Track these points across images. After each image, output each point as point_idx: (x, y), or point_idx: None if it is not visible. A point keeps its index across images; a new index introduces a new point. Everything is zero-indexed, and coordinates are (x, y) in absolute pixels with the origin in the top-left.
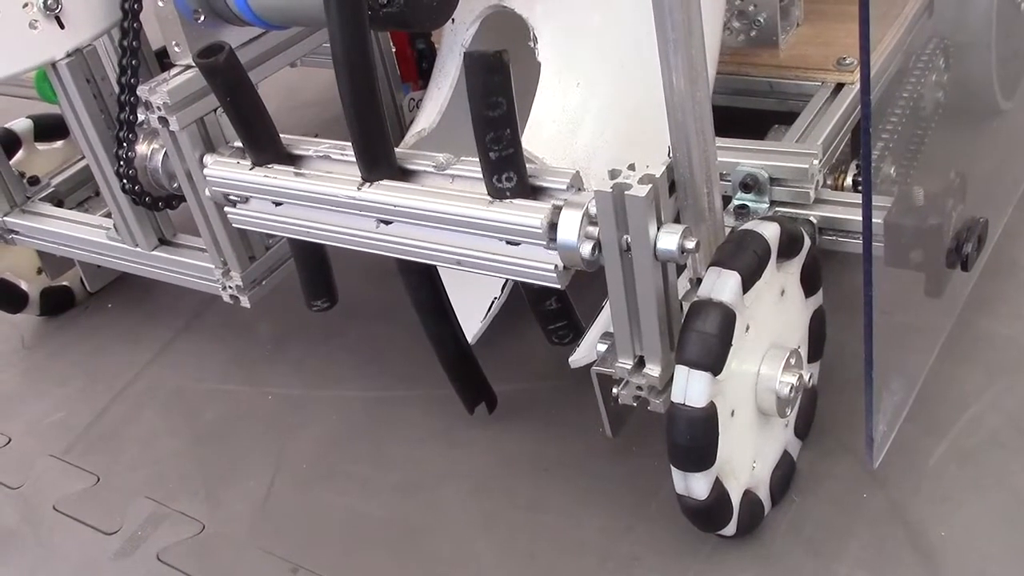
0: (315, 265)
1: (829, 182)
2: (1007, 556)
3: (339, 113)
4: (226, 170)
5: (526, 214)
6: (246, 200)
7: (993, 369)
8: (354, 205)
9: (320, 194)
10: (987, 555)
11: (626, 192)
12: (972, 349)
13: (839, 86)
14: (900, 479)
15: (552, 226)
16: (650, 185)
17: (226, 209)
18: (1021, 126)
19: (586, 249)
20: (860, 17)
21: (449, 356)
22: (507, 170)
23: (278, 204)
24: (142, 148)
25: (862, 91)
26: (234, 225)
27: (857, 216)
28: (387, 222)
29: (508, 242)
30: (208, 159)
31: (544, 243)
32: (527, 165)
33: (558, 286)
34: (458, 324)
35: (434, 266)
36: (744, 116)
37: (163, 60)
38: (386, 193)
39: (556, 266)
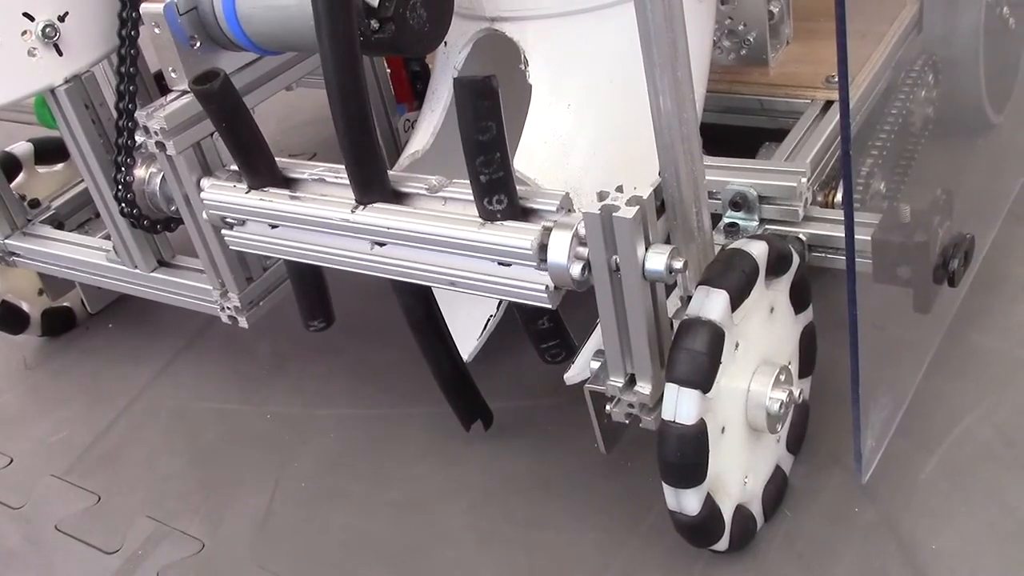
0: (311, 285)
1: (819, 199)
2: (998, 569)
3: (335, 133)
4: (223, 193)
5: (516, 236)
6: (243, 223)
7: (983, 383)
8: (348, 228)
9: (314, 217)
10: (978, 568)
11: (614, 214)
12: (962, 363)
13: (828, 103)
14: (891, 493)
15: (542, 247)
16: (637, 207)
17: (223, 232)
18: (1009, 141)
19: (576, 270)
20: (838, 43)
21: (444, 374)
22: (498, 193)
23: (274, 227)
24: (140, 172)
25: (841, 115)
26: (231, 247)
27: None
28: (381, 244)
29: (500, 263)
30: (205, 183)
31: (534, 264)
32: (519, 187)
33: (549, 306)
34: (453, 342)
35: (428, 286)
36: (735, 134)
37: (161, 83)
38: (379, 216)
39: (547, 286)
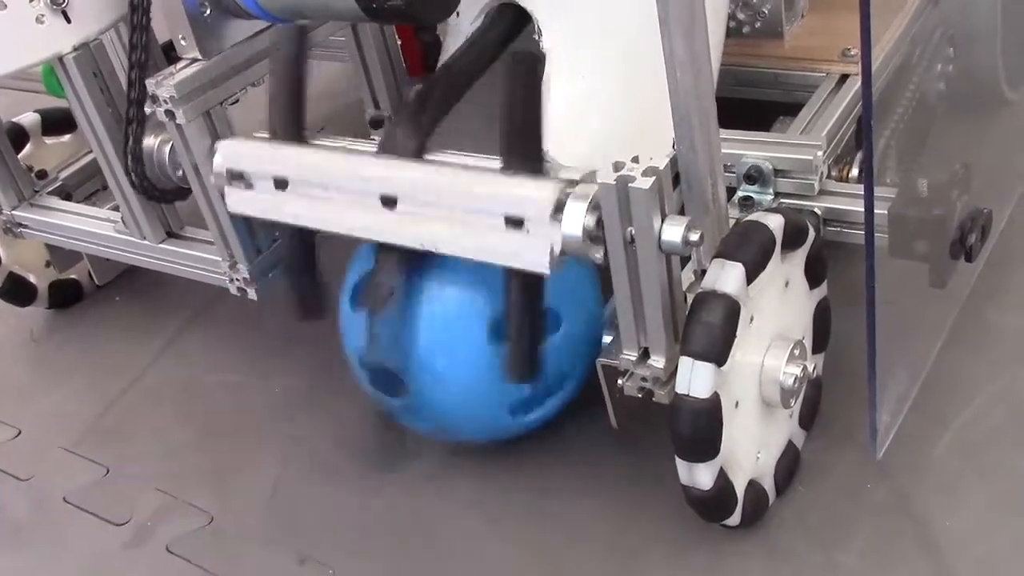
0: (307, 269)
1: (834, 173)
2: (1012, 547)
3: (345, 106)
4: (238, 146)
5: (536, 189)
6: (251, 185)
7: (998, 360)
8: (360, 178)
9: (328, 167)
10: (992, 546)
11: (630, 184)
12: (977, 340)
13: (844, 77)
14: (905, 470)
15: (559, 206)
16: (654, 177)
17: (226, 189)
18: None
19: (589, 236)
20: (861, 12)
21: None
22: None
23: (282, 186)
24: (149, 141)
25: (863, 83)
26: (231, 210)
27: (861, 207)
28: (392, 202)
29: (508, 221)
30: (217, 145)
31: (546, 228)
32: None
33: (546, 271)
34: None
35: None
36: (749, 107)
37: (169, 54)
38: (391, 168)
39: (552, 250)
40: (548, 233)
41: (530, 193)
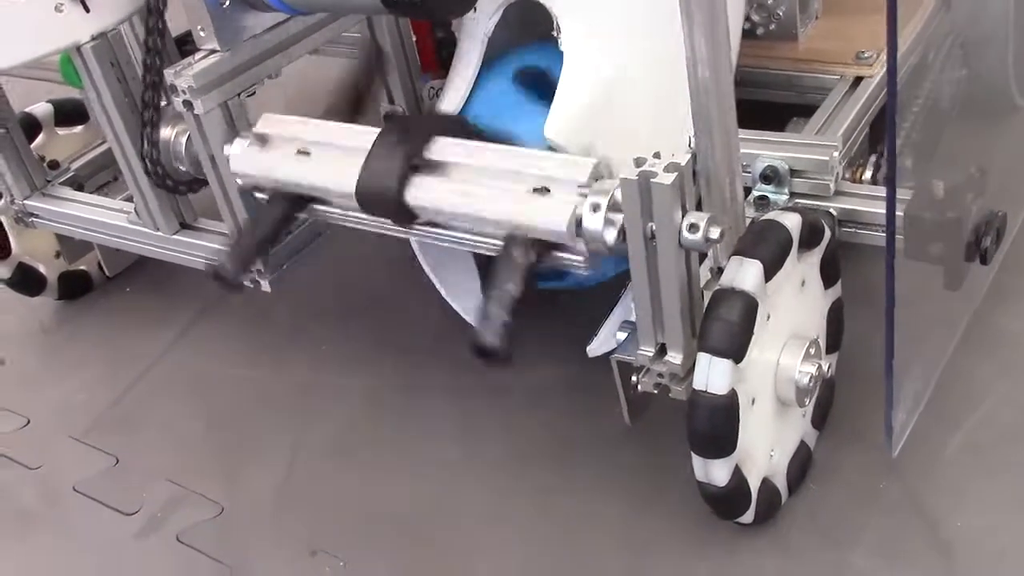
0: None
1: (847, 176)
2: (1023, 547)
3: None
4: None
5: (552, 215)
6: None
7: (1009, 363)
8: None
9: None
10: (1003, 546)
11: (652, 180)
12: (988, 343)
13: (858, 80)
14: (916, 470)
15: (578, 223)
16: (676, 173)
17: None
18: None
19: (611, 236)
20: (888, 15)
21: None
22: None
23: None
24: (166, 132)
25: (889, 80)
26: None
27: (876, 208)
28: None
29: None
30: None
31: (569, 238)
32: (550, 154)
33: (584, 272)
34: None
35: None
36: (763, 109)
37: (182, 47)
38: (421, 189)
39: (584, 255)
40: (573, 200)
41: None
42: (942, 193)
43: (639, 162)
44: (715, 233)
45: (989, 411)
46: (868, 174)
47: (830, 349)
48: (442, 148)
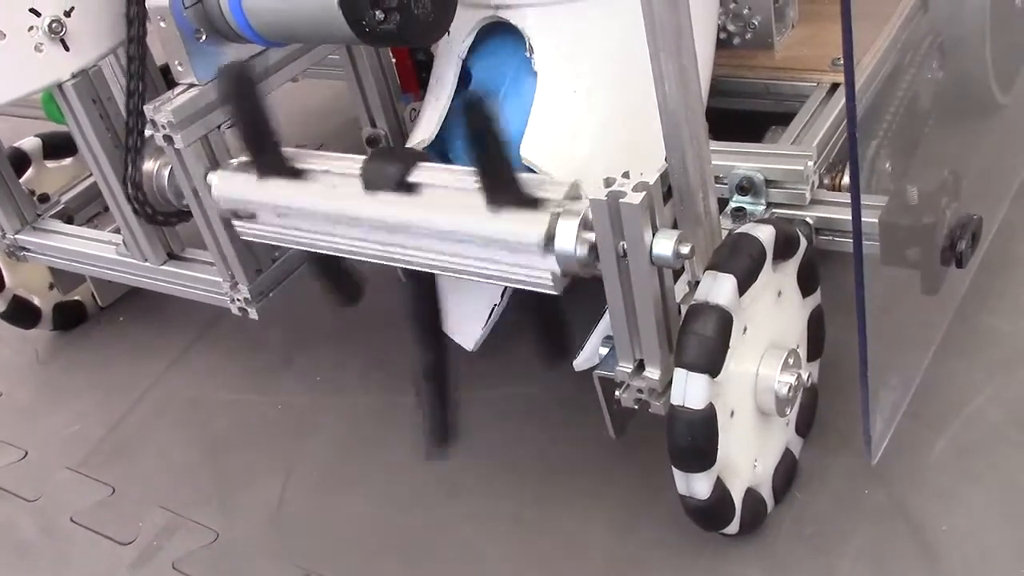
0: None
1: (826, 182)
2: (1009, 550)
3: (342, 123)
4: (233, 185)
5: (524, 226)
6: (253, 216)
7: (992, 364)
8: (356, 220)
9: (323, 208)
10: (989, 549)
11: (620, 200)
12: (971, 345)
13: (834, 86)
14: (901, 475)
15: (550, 238)
16: (644, 192)
17: (235, 223)
18: (1017, 121)
19: (583, 256)
20: (843, 25)
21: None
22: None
23: (282, 216)
24: (149, 165)
25: (847, 96)
26: (243, 238)
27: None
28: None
29: (507, 251)
30: (212, 177)
31: (540, 254)
32: (526, 175)
33: (555, 292)
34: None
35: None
36: (741, 118)
37: (168, 76)
38: (386, 207)
39: (553, 273)
40: (545, 263)
41: (520, 228)
42: (916, 199)
43: (608, 182)
44: (686, 249)
45: (974, 412)
46: (847, 179)
47: (812, 356)
48: (420, 172)
